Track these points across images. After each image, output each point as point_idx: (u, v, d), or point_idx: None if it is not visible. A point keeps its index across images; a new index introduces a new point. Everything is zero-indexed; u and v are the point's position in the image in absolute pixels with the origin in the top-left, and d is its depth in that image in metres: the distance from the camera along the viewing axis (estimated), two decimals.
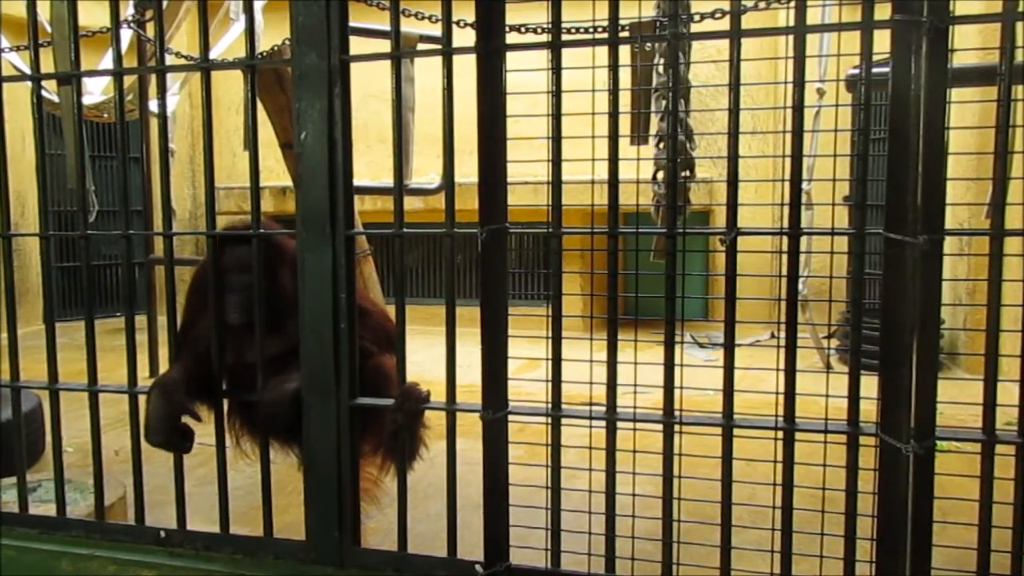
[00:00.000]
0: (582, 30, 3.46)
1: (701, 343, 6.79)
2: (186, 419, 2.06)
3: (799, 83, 1.60)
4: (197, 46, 2.04)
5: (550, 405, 1.80)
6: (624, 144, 1.73)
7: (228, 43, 5.72)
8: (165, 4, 4.76)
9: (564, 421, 1.80)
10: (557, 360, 1.80)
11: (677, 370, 1.73)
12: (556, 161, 1.74)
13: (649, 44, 3.30)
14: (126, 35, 4.80)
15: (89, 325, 2.14)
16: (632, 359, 1.77)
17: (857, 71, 1.71)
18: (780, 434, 1.69)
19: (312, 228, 1.85)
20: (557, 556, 1.83)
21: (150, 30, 4.65)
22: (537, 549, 1.82)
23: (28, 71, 2.27)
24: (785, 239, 1.66)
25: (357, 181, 1.94)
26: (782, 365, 1.68)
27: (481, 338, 1.77)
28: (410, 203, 5.08)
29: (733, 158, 1.65)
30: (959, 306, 5.49)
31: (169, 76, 2.08)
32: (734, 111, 1.64)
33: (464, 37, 1.90)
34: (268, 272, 2.02)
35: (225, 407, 2.13)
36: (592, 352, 1.81)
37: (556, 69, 1.71)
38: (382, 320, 2.31)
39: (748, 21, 1.69)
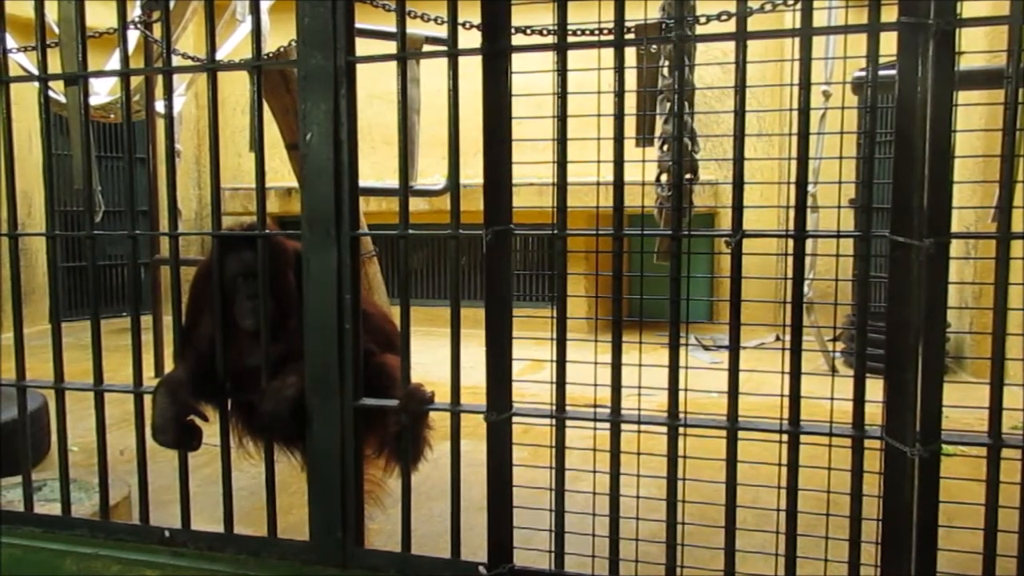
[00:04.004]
0: (587, 32, 3.47)
1: (705, 345, 6.78)
2: (192, 417, 2.06)
3: (805, 85, 1.60)
4: (203, 47, 2.04)
5: (554, 407, 1.79)
6: (629, 146, 1.73)
7: (234, 44, 5.74)
8: (172, 5, 4.77)
9: (568, 423, 1.80)
10: (561, 362, 1.80)
11: (681, 372, 1.73)
12: (561, 163, 1.74)
13: (654, 46, 3.30)
14: (133, 36, 4.82)
15: (95, 325, 2.15)
16: (636, 361, 1.77)
17: (863, 74, 1.71)
18: (784, 437, 1.68)
19: (317, 229, 1.86)
20: (561, 558, 1.83)
21: (157, 31, 4.67)
22: (541, 551, 1.82)
23: (35, 72, 2.28)
24: (790, 241, 1.66)
25: (362, 182, 1.94)
26: (787, 368, 1.68)
27: (486, 339, 1.77)
28: (415, 204, 5.09)
29: (739, 160, 1.65)
30: (965, 309, 5.48)
31: (175, 77, 2.09)
32: (740, 113, 1.64)
33: (470, 39, 1.91)
34: (273, 274, 2.03)
35: (228, 407, 2.14)
36: (596, 354, 1.80)
37: (562, 71, 1.71)
38: (382, 322, 2.31)
39: (754, 23, 1.68)
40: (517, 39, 2.40)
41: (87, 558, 2.09)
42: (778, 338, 6.65)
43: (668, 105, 3.56)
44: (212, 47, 2.01)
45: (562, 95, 1.72)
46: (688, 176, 3.54)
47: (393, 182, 2.50)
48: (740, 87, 1.63)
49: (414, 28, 4.36)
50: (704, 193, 7.04)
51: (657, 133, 3.92)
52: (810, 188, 4.74)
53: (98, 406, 2.16)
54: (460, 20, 1.80)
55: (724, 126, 7.09)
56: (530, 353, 1.83)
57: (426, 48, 4.33)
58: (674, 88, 1.78)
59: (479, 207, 1.73)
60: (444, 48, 1.80)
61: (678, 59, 1.77)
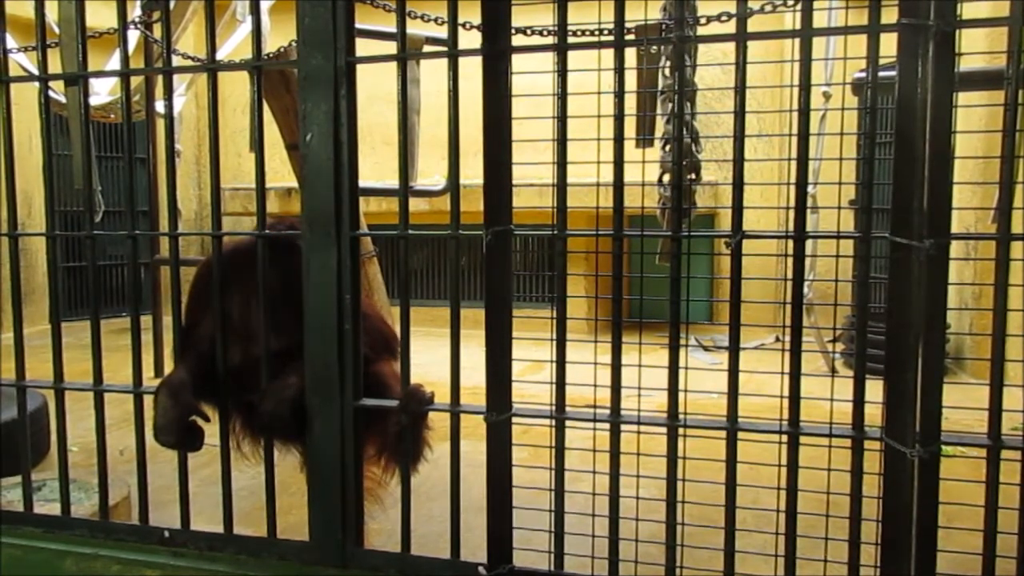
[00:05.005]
0: (588, 32, 3.47)
1: (705, 346, 6.78)
2: (194, 418, 2.06)
3: (805, 86, 1.60)
4: (204, 47, 2.04)
5: (554, 407, 1.79)
6: (629, 147, 1.73)
7: (234, 44, 5.73)
8: (172, 5, 4.77)
9: (568, 423, 1.80)
10: (561, 362, 1.80)
11: (681, 373, 1.73)
12: (561, 163, 1.74)
13: (655, 47, 3.30)
14: (133, 36, 4.81)
15: (95, 325, 2.15)
16: (636, 362, 1.77)
17: (863, 75, 1.71)
18: (784, 438, 1.68)
19: (317, 229, 1.86)
20: (560, 559, 1.83)
21: (157, 31, 4.66)
22: (540, 551, 1.82)
23: (36, 72, 2.28)
24: (790, 242, 1.66)
25: (362, 182, 1.94)
26: (786, 369, 1.68)
27: (485, 340, 1.77)
28: (415, 205, 5.09)
29: (739, 161, 1.65)
30: (965, 310, 5.48)
31: (175, 77, 2.09)
32: (740, 114, 1.64)
33: (470, 39, 1.91)
34: (296, 273, 2.00)
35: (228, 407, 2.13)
36: (596, 355, 1.80)
37: (562, 72, 1.71)
38: (379, 324, 2.30)
39: (754, 24, 1.68)
40: (517, 40, 2.40)
41: (87, 558, 2.09)
42: (778, 339, 6.65)
43: (670, 105, 3.55)
44: (212, 47, 2.01)
45: (562, 96, 1.72)
46: (691, 176, 3.54)
47: (393, 182, 2.49)
48: (740, 88, 1.63)
49: (414, 28, 4.36)
50: (704, 194, 7.03)
51: (659, 134, 3.92)
52: (810, 189, 4.74)
53: (98, 406, 2.16)
54: (460, 20, 1.80)
55: (724, 127, 7.09)
56: (530, 354, 1.83)
57: (426, 48, 4.33)
58: (675, 89, 1.78)
59: (479, 207, 1.73)
60: (444, 49, 1.80)
61: (679, 60, 1.77)
